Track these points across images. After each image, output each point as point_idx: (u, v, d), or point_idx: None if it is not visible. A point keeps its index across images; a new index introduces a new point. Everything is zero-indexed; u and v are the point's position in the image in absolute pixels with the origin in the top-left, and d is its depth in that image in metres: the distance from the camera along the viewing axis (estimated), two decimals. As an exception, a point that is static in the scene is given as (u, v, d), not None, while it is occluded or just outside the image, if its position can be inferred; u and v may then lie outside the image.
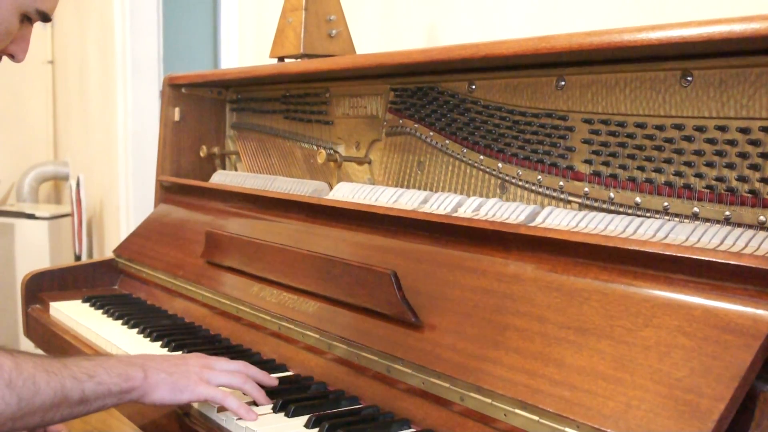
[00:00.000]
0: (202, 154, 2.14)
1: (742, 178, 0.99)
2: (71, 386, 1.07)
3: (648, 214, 1.10)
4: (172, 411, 1.26)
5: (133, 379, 1.12)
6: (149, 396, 1.14)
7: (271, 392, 1.21)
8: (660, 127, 1.09)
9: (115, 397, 1.12)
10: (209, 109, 2.17)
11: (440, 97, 1.44)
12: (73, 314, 1.77)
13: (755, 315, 0.85)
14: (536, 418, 0.94)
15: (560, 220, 1.15)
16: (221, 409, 1.17)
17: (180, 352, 1.44)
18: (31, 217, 4.06)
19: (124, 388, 1.12)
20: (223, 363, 1.22)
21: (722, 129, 1.01)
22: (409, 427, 1.10)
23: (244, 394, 1.21)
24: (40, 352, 1.90)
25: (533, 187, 1.27)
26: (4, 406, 1.01)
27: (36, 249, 4.03)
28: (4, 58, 1.25)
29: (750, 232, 0.96)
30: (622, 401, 0.87)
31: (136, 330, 1.61)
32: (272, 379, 1.24)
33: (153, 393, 1.14)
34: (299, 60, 1.82)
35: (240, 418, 1.13)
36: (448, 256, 1.22)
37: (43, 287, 1.99)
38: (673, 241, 1.00)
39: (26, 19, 1.22)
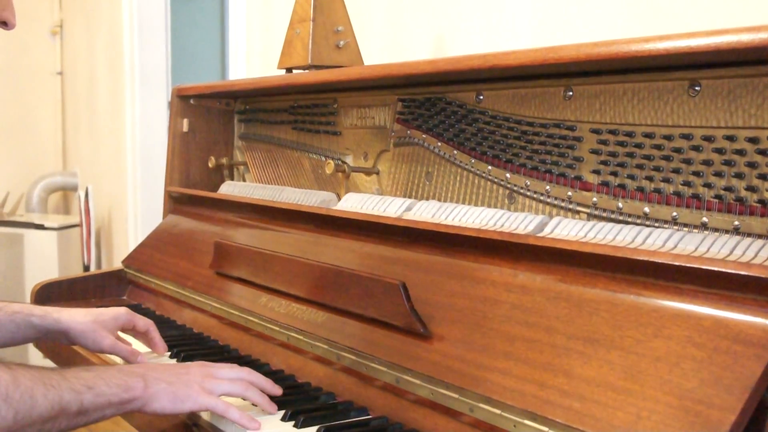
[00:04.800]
0: (210, 165, 2.14)
1: (751, 188, 0.99)
2: (69, 398, 1.06)
3: (657, 224, 1.10)
4: (180, 421, 1.26)
5: (133, 390, 1.12)
6: (150, 406, 1.13)
7: (279, 402, 1.21)
8: (668, 137, 1.09)
9: (115, 408, 1.11)
10: (217, 120, 2.18)
11: (448, 108, 1.44)
12: (82, 325, 1.77)
13: (765, 325, 0.84)
14: (546, 429, 0.94)
15: (569, 230, 1.15)
16: None
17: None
18: (40, 227, 4.08)
19: (124, 399, 1.11)
20: (225, 371, 1.22)
21: (731, 139, 1.01)
22: (418, 438, 1.10)
23: (253, 405, 1.21)
24: (48, 362, 1.90)
25: (541, 198, 1.27)
26: (1, 420, 1.01)
27: (45, 259, 4.05)
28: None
29: (759, 242, 0.96)
30: (632, 412, 0.87)
31: (145, 340, 1.61)
32: (276, 387, 1.24)
33: (153, 403, 1.13)
34: (307, 71, 1.82)
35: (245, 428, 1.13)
36: (456, 267, 1.22)
37: (52, 297, 1.99)
38: (682, 252, 1.00)
39: None
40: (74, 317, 1.42)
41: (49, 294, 1.99)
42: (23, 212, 4.54)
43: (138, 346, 1.53)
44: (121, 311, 1.49)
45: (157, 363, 1.41)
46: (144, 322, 1.50)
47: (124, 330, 1.49)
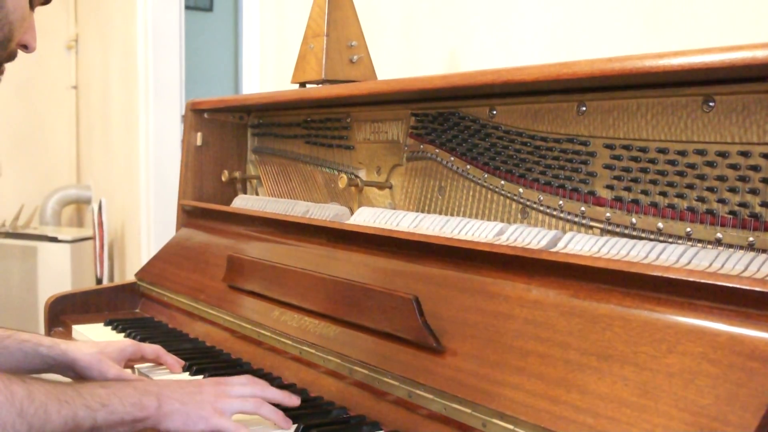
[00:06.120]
0: (223, 179, 2.15)
1: (765, 204, 0.99)
2: (83, 415, 1.07)
3: (670, 240, 1.09)
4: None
5: (147, 408, 1.12)
6: (162, 425, 1.14)
7: (292, 417, 1.20)
8: (682, 153, 1.08)
9: (128, 426, 1.12)
10: (231, 133, 2.19)
11: (461, 122, 1.44)
12: (95, 337, 1.77)
13: (781, 342, 0.84)
14: (559, 445, 0.94)
15: (582, 245, 1.15)
16: None
17: (201, 377, 1.45)
18: (54, 240, 4.10)
19: (138, 417, 1.12)
20: (238, 388, 1.21)
21: (745, 154, 1.01)
22: (431, 453, 1.10)
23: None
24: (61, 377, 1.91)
25: (554, 213, 1.27)
26: None
27: (58, 272, 4.07)
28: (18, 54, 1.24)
29: (774, 258, 0.95)
30: (646, 429, 0.86)
31: (158, 353, 1.61)
32: (293, 397, 1.24)
33: (166, 422, 1.14)
34: (321, 85, 1.83)
35: None
36: (469, 281, 1.22)
37: (66, 310, 2.00)
38: (696, 267, 0.99)
39: (29, 5, 1.22)
40: (81, 349, 1.43)
41: (62, 307, 2.00)
42: (37, 225, 4.56)
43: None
44: (127, 343, 1.50)
45: (170, 379, 1.41)
46: (151, 349, 1.50)
47: (131, 360, 1.50)
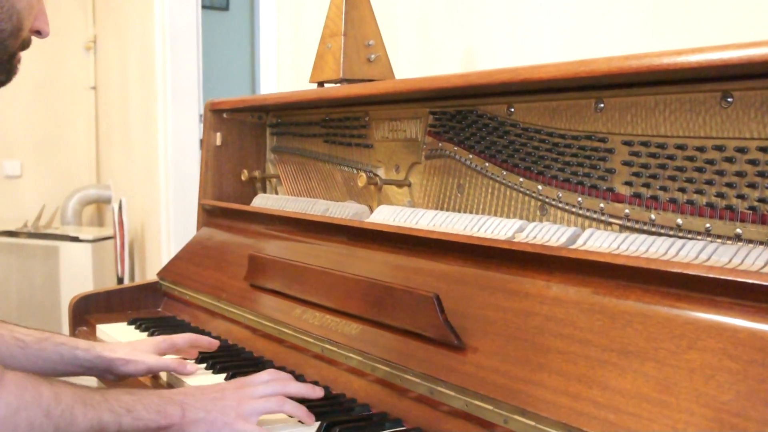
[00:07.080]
0: (243, 178, 2.17)
1: (785, 200, 0.99)
2: (108, 420, 1.09)
3: (690, 236, 1.10)
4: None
5: (170, 417, 1.14)
6: None
7: (315, 414, 1.22)
8: (701, 149, 1.09)
9: None
10: (250, 133, 2.21)
11: (479, 120, 1.45)
12: (119, 336, 1.80)
13: (801, 337, 0.84)
14: (581, 440, 0.94)
15: (601, 242, 1.16)
16: None
17: (223, 375, 1.46)
18: (75, 239, 4.14)
19: (162, 425, 1.13)
20: (261, 388, 1.22)
21: (764, 150, 1.01)
22: (453, 450, 1.11)
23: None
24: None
25: (573, 209, 1.27)
26: None
27: (80, 271, 4.11)
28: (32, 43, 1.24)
29: (794, 254, 0.95)
30: (667, 424, 0.87)
31: (181, 352, 1.63)
32: (317, 390, 1.25)
33: (190, 430, 1.15)
34: (339, 85, 1.84)
35: None
36: (489, 279, 1.23)
37: (90, 309, 2.02)
38: (715, 263, 0.99)
39: None
40: (115, 349, 1.46)
41: (86, 306, 2.02)
42: (58, 225, 4.61)
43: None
44: (159, 339, 1.53)
45: (194, 387, 1.41)
46: (184, 339, 1.54)
47: (165, 354, 1.52)
